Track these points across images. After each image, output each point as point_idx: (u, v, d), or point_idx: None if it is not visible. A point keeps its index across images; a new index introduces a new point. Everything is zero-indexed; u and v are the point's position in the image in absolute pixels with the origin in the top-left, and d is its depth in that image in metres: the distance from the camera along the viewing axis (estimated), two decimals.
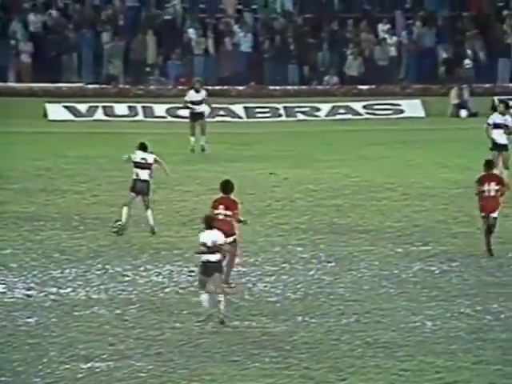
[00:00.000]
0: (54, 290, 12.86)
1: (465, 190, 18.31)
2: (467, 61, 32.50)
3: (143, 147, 16.51)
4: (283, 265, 14.00)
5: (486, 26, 33.81)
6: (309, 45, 33.28)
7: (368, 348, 10.82)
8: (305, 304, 12.25)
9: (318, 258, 14.31)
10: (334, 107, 30.68)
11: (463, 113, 30.11)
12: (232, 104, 30.88)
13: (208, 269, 12.02)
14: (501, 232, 15.47)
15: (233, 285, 13.03)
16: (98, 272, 13.67)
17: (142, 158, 16.30)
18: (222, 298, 11.89)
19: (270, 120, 30.32)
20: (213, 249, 12.08)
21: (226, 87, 32.08)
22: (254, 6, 34.47)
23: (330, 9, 34.11)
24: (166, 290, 12.90)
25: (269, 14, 34.23)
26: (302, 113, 30.87)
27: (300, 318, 11.72)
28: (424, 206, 17.38)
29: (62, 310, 12.05)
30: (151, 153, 16.57)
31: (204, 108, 23.07)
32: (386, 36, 33.42)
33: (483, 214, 14.73)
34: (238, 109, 30.93)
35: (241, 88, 32.02)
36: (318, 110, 30.93)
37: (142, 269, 13.82)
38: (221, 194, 13.25)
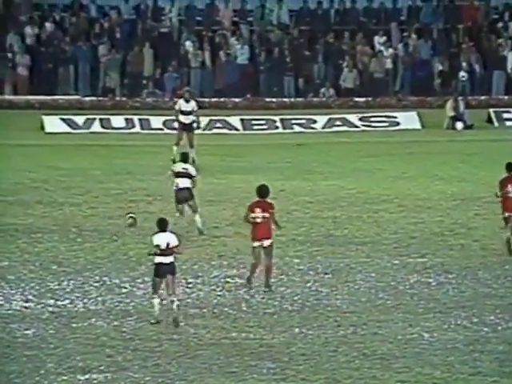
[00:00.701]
0: (52, 301, 12.87)
1: (461, 202, 18.37)
2: (462, 73, 32.63)
3: (184, 158, 17.44)
4: (280, 276, 14.02)
5: (480, 39, 33.98)
6: (305, 57, 33.40)
7: (365, 360, 10.84)
8: (302, 316, 12.27)
9: (315, 269, 14.34)
10: (330, 119, 30.75)
11: (459, 125, 30.20)
12: (228, 116, 30.96)
13: (161, 271, 12.30)
14: (497, 244, 15.53)
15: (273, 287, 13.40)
16: (95, 284, 13.68)
17: (184, 168, 17.06)
18: (175, 298, 12.14)
19: (267, 132, 30.39)
20: (166, 251, 12.34)
21: (222, 99, 32.17)
22: (250, 19, 34.60)
23: (325, 21, 34.25)
24: (164, 301, 12.92)
25: (265, 26, 34.36)
26: (299, 125, 30.93)
27: (297, 330, 11.75)
28: (420, 218, 17.42)
29: (59, 322, 12.06)
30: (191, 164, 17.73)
31: (193, 119, 22.83)
32: (382, 48, 33.57)
33: (506, 215, 15.10)
34: (235, 121, 30.99)
35: (237, 100, 32.11)
36: (315, 122, 31.00)
37: (139, 280, 13.84)
38: (256, 199, 13.78)
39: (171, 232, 12.63)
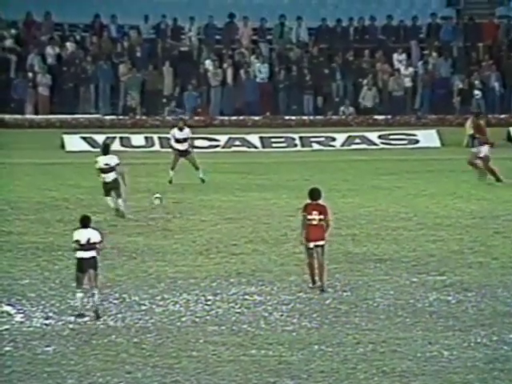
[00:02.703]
0: (72, 318, 12.94)
1: (480, 219, 18.33)
2: (476, 91, 32.60)
3: (105, 151, 19.88)
4: (299, 294, 14.04)
5: (500, 57, 33.94)
6: (324, 75, 33.49)
7: (384, 377, 10.83)
8: (321, 333, 12.27)
9: (333, 287, 14.33)
10: (349, 137, 30.80)
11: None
12: (247, 134, 31.06)
13: (83, 265, 13.01)
14: None
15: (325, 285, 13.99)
16: (115, 301, 13.75)
17: (106, 164, 19.55)
18: (96, 291, 12.83)
19: (286, 150, 30.46)
20: (87, 246, 13.03)
21: (241, 117, 32.31)
22: (270, 37, 34.76)
23: (345, 39, 34.35)
24: (183, 318, 12.96)
25: (284, 44, 34.50)
26: (318, 143, 30.99)
27: (316, 347, 11.75)
28: (439, 236, 17.39)
29: (79, 339, 12.12)
30: None
31: (188, 144, 23.15)
32: (401, 66, 33.60)
33: None
34: (254, 138, 31.10)
35: (256, 118, 32.23)
36: (334, 139, 31.06)
37: (158, 298, 13.90)
38: (309, 201, 14.46)
39: (94, 228, 13.35)
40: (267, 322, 12.75)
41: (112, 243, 17.05)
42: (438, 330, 12.21)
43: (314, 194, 14.54)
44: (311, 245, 14.33)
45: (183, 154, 23.17)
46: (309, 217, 14.32)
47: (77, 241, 13.15)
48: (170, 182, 23.09)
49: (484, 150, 22.19)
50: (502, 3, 35.63)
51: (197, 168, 23.06)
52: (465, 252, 16.27)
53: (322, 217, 14.32)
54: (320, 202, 14.51)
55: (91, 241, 13.12)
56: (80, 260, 13.08)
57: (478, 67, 33.66)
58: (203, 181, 22.82)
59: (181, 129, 23.29)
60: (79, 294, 13.06)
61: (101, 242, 13.24)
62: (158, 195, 20.28)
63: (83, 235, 13.17)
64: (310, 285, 14.37)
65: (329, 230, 14.47)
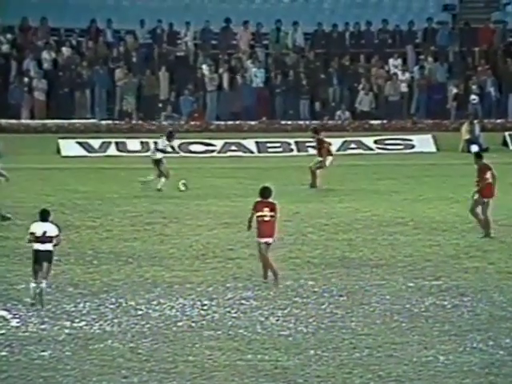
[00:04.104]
0: (68, 323, 12.93)
1: (475, 224, 18.34)
2: (473, 96, 32.68)
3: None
4: (295, 299, 14.04)
5: (496, 62, 34.01)
6: (320, 80, 33.55)
7: (380, 382, 10.83)
8: (317, 338, 12.27)
9: (329, 291, 14.34)
10: (345, 142, 30.86)
11: (474, 148, 30.20)
12: (244, 139, 31.08)
13: (38, 257, 13.42)
14: (510, 266, 15.49)
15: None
16: (111, 306, 13.74)
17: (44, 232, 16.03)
18: (44, 281, 13.40)
19: (282, 155, 30.48)
20: (42, 239, 13.39)
21: (237, 122, 32.34)
22: (266, 42, 34.80)
23: (341, 44, 34.41)
24: (179, 323, 12.96)
25: (280, 49, 34.55)
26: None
27: (312, 352, 11.74)
28: (435, 241, 17.40)
29: (75, 344, 12.11)
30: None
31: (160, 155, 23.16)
32: (397, 71, 33.65)
33: (485, 200, 16.95)
34: (250, 143, 31.14)
35: (253, 123, 32.27)
36: (330, 144, 31.05)
37: (155, 303, 13.89)
38: (259, 199, 14.81)
39: (52, 223, 13.62)
40: (263, 327, 12.75)
41: (109, 248, 17.04)
42: (433, 335, 12.21)
43: (265, 192, 14.95)
44: (262, 241, 14.76)
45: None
46: (260, 213, 14.72)
47: (32, 233, 13.55)
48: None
49: None
50: (498, 8, 35.71)
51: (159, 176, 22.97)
52: (461, 257, 16.28)
53: (272, 213, 14.71)
54: (270, 200, 14.83)
55: (47, 234, 13.46)
56: (36, 252, 13.52)
57: (474, 72, 33.72)
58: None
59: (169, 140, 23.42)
60: (32, 284, 13.52)
61: (57, 236, 13.57)
62: (183, 181, 21.05)
63: (40, 228, 13.54)
64: (263, 279, 14.79)
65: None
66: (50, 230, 13.52)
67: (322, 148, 23.71)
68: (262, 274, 14.85)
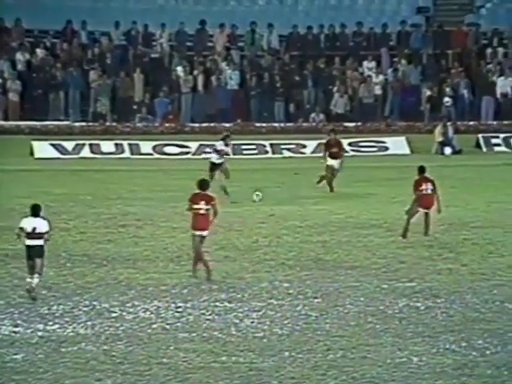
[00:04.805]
0: (41, 326, 12.87)
1: (449, 226, 18.46)
2: (447, 98, 32.89)
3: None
4: (270, 300, 14.05)
5: (469, 64, 34.23)
6: (295, 82, 33.61)
7: (354, 383, 10.87)
8: (292, 339, 12.29)
9: (304, 293, 14.37)
10: (319, 144, 30.94)
11: (447, 150, 30.40)
12: (218, 141, 31.07)
13: (29, 253, 13.55)
14: (486, 269, 15.61)
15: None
16: (85, 308, 13.69)
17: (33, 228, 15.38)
18: (36, 276, 13.58)
19: (257, 157, 30.51)
20: (32, 235, 13.49)
21: (212, 124, 32.32)
22: (241, 44, 34.82)
23: (316, 46, 34.49)
24: (154, 325, 12.93)
25: (255, 51, 34.57)
26: (288, 149, 31.11)
27: (287, 354, 11.76)
28: (409, 243, 17.49)
29: (48, 347, 12.05)
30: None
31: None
32: (371, 73, 33.79)
33: (421, 210, 17.53)
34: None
35: (227, 125, 32.26)
36: (304, 146, 31.19)
37: (129, 305, 13.85)
38: (197, 191, 14.97)
39: (43, 218, 13.66)
40: (238, 329, 12.75)
41: (82, 250, 16.97)
42: (407, 337, 12.27)
43: (203, 184, 15.10)
44: (196, 233, 14.95)
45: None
46: (195, 206, 14.86)
47: (21, 228, 13.59)
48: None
49: None
50: (471, 11, 35.93)
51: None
52: (434, 259, 16.37)
53: (208, 207, 14.83)
54: (208, 192, 14.96)
55: (37, 230, 13.47)
56: (27, 248, 13.58)
57: (448, 75, 33.92)
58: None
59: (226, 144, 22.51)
60: (28, 280, 13.68)
61: (48, 232, 13.58)
62: (258, 192, 20.71)
63: (30, 223, 13.57)
64: (192, 273, 15.02)
65: (215, 219, 15.03)
66: (41, 225, 13.52)
67: (342, 150, 23.23)
68: (191, 269, 15.07)
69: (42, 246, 13.50)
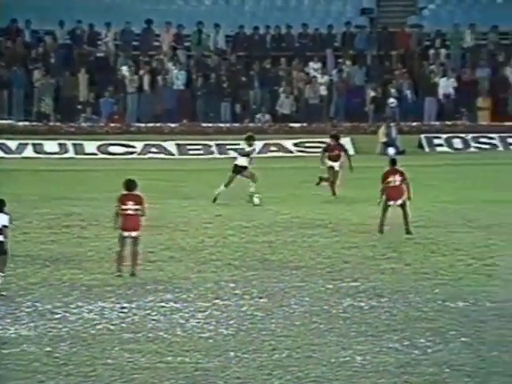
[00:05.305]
0: None
1: (392, 226, 18.65)
2: (391, 99, 33.25)
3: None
4: (216, 301, 14.07)
5: (412, 65, 34.63)
6: (241, 82, 33.67)
7: (299, 383, 10.94)
8: (237, 340, 12.32)
9: (250, 293, 14.41)
10: (265, 145, 31.04)
11: (391, 151, 30.72)
12: (164, 141, 30.99)
13: None
14: (428, 268, 15.81)
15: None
16: (27, 309, 13.55)
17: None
18: (1, 275, 13.51)
19: (203, 157, 30.49)
20: None
21: (158, 124, 32.23)
22: (188, 44, 34.76)
23: (262, 47, 34.59)
24: (98, 326, 12.86)
25: (202, 51, 34.55)
26: (234, 150, 31.14)
27: (232, 354, 11.79)
28: (353, 243, 17.64)
29: None
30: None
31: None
32: (317, 74, 34.00)
33: (391, 203, 17.93)
34: (170, 145, 31.06)
35: (173, 125, 32.19)
36: None
37: (72, 306, 13.75)
38: (125, 192, 14.92)
39: (5, 213, 13.58)
40: (184, 329, 12.74)
41: (25, 251, 16.79)
42: (351, 336, 12.37)
43: (130, 185, 15.04)
44: (125, 234, 14.92)
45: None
46: (124, 207, 14.83)
47: None
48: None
49: None
50: (414, 12, 36.36)
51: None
52: (378, 258, 16.53)
53: (137, 207, 14.82)
54: (136, 192, 14.96)
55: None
56: None
57: (392, 75, 34.27)
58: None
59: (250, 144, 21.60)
60: None
61: (6, 226, 13.46)
62: (258, 195, 20.34)
63: None
64: (117, 273, 14.97)
65: (143, 219, 15.08)
66: (3, 220, 13.37)
67: (344, 151, 22.84)
68: (117, 269, 15.08)
69: (2, 243, 13.32)
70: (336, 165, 22.67)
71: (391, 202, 18.11)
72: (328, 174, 22.72)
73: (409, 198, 18.18)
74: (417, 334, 12.32)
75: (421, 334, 12.35)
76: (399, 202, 18.06)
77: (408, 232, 18.09)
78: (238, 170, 21.54)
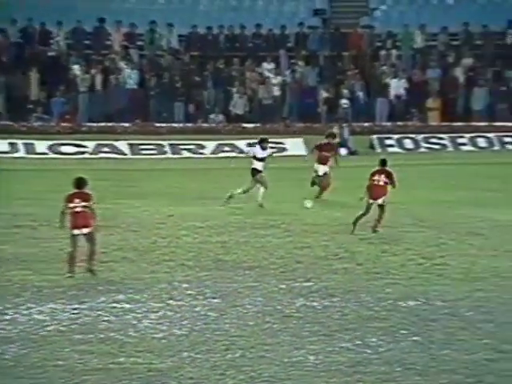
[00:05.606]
0: None
1: (345, 226, 18.78)
2: (344, 100, 33.48)
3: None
4: (169, 301, 14.03)
5: (364, 66, 34.90)
6: (195, 82, 33.62)
7: (252, 382, 10.96)
8: (190, 340, 12.31)
9: (203, 294, 14.40)
10: (219, 145, 31.06)
11: (343, 151, 30.93)
12: (116, 140, 30.84)
13: None
14: (380, 268, 15.95)
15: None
16: None
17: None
18: None
19: (155, 157, 30.40)
20: None
21: (111, 124, 32.05)
22: (140, 43, 34.62)
23: (215, 47, 34.58)
24: (49, 328, 12.75)
25: (155, 51, 34.43)
26: (187, 150, 31.11)
27: (186, 354, 11.77)
28: (306, 243, 17.72)
29: None
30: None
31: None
32: (270, 75, 34.09)
33: (370, 201, 18.07)
34: (122, 145, 30.93)
35: (126, 125, 32.05)
36: (203, 147, 31.25)
37: (23, 307, 13.62)
38: (75, 190, 14.90)
39: None
40: (136, 330, 12.69)
41: None
42: (304, 336, 12.43)
43: (79, 182, 15.06)
44: (76, 232, 14.89)
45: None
46: (71, 205, 14.84)
47: None
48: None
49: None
50: (366, 13, 36.62)
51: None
52: (330, 258, 16.62)
53: (85, 204, 14.84)
54: (85, 190, 15.00)
55: None
56: None
57: (344, 76, 34.49)
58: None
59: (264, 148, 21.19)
60: None
61: None
62: (309, 200, 20.32)
63: None
64: (68, 274, 14.90)
65: (94, 216, 15.04)
66: None
67: (333, 153, 22.28)
68: (68, 269, 14.98)
69: None
70: (321, 169, 22.11)
71: (371, 201, 18.20)
72: (313, 177, 22.12)
73: (383, 201, 18.20)
74: (368, 334, 12.41)
75: (372, 333, 12.45)
76: (379, 201, 18.14)
77: (374, 231, 18.18)
78: (254, 173, 21.24)
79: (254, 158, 21.41)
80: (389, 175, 18.36)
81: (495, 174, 28.01)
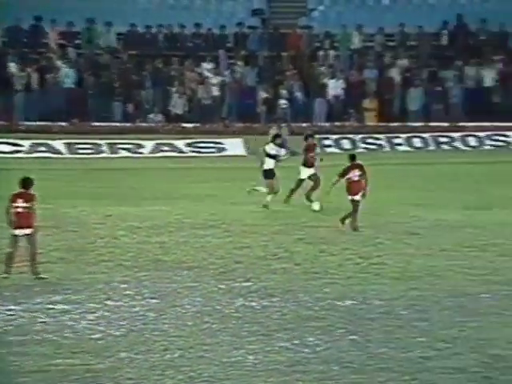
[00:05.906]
0: None
1: (284, 227, 18.88)
2: (282, 100, 33.65)
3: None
4: (107, 302, 13.94)
5: (303, 66, 35.11)
6: (133, 82, 33.44)
7: (191, 383, 10.96)
8: (129, 340, 12.25)
9: (142, 294, 14.35)
10: (157, 145, 30.95)
11: (283, 152, 31.05)
12: (52, 140, 30.54)
13: None
14: (318, 267, 16.07)
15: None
16: None
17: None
18: None
19: (92, 156, 30.17)
20: None
21: (47, 123, 31.70)
22: (78, 41, 34.30)
23: (154, 46, 34.44)
24: None
25: (93, 49, 34.15)
26: (126, 149, 30.94)
27: (124, 354, 11.71)
28: (245, 243, 17.77)
29: None
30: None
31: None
32: (210, 75, 34.08)
33: (350, 198, 18.32)
34: (59, 144, 30.63)
35: (63, 124, 31.73)
36: (142, 147, 31.11)
37: None
38: (19, 190, 14.82)
39: None
40: (73, 331, 12.58)
41: None
42: (243, 336, 12.46)
43: (25, 182, 15.04)
44: (17, 232, 14.80)
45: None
46: (14, 204, 14.80)
47: None
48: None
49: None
50: (305, 14, 36.83)
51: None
52: (269, 258, 16.69)
53: (27, 204, 14.80)
54: (29, 191, 14.98)
55: None
56: None
57: (283, 77, 34.65)
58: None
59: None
60: None
61: None
62: (317, 203, 20.01)
63: None
64: (4, 274, 14.77)
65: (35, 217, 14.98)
66: None
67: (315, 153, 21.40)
68: (4, 269, 14.82)
69: None
70: (305, 172, 21.27)
71: (350, 197, 18.32)
72: (295, 185, 21.18)
73: (363, 196, 18.29)
74: (307, 333, 12.50)
75: (311, 332, 12.54)
76: (357, 197, 18.24)
77: (343, 223, 18.33)
78: (268, 175, 20.62)
79: (267, 155, 20.76)
80: (361, 169, 18.48)
81: (431, 173, 28.41)
